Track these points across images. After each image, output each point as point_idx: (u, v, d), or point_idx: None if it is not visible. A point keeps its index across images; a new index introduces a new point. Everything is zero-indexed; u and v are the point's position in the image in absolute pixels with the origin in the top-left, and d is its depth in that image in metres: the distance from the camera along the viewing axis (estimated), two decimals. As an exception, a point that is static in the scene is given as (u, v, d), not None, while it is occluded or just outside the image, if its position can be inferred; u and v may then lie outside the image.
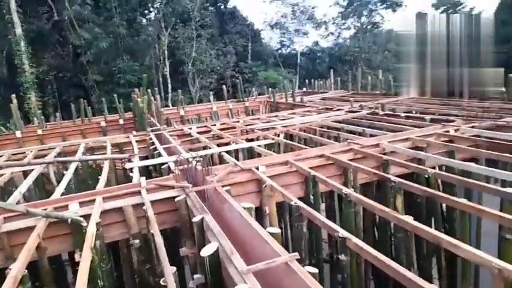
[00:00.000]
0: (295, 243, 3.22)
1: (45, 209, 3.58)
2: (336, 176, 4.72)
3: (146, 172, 6.05)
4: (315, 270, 2.25)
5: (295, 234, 3.31)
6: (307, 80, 17.81)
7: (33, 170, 5.53)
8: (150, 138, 7.43)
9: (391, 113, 7.75)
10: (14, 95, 11.51)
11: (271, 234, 2.73)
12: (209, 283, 2.62)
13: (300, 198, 3.76)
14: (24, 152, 6.99)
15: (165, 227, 4.12)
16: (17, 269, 2.50)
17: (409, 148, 4.96)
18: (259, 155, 6.24)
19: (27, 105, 19.65)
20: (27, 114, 18.71)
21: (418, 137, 5.25)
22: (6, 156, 6.73)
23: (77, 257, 3.71)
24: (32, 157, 6.50)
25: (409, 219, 2.71)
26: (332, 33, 35.24)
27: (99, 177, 5.00)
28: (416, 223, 2.65)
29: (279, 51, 35.84)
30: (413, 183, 3.61)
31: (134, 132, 8.18)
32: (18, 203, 4.08)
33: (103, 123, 11.31)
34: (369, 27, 32.57)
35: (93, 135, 11.08)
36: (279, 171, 4.63)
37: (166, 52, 24.34)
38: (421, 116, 6.79)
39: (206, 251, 2.58)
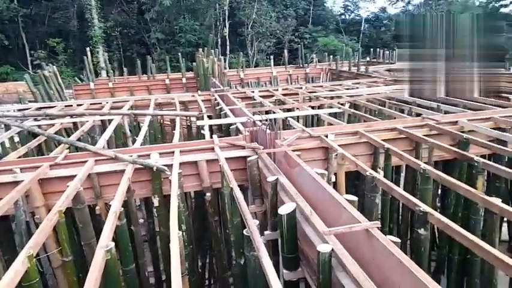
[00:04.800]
0: (367, 214, 3.23)
1: (131, 156, 3.88)
2: (406, 151, 4.57)
3: (210, 131, 6.30)
4: (397, 239, 2.26)
5: (368, 205, 3.32)
6: (371, 49, 16.87)
7: (111, 119, 5.96)
8: (215, 99, 7.61)
9: (468, 89, 7.18)
10: (88, 49, 12.23)
11: (348, 201, 2.77)
12: (284, 240, 2.74)
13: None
14: (101, 103, 7.51)
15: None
16: (115, 206, 2.78)
17: (491, 129, 4.63)
18: (325, 123, 6.19)
19: (95, 58, 20.82)
20: (95, 68, 19.90)
21: (503, 117, 4.88)
22: (86, 105, 7.29)
23: (155, 201, 4.05)
24: (109, 108, 6.98)
25: (497, 201, 2.60)
26: (402, -1, 32.75)
27: (174, 131, 5.28)
28: (506, 206, 2.53)
29: (342, 16, 34.13)
30: (499, 165, 3.40)
31: (199, 92, 8.42)
32: (103, 148, 4.45)
33: (167, 81, 11.74)
34: (443, -6, 29.77)
35: (158, 91, 11.57)
36: (347, 141, 4.57)
37: (227, 12, 24.20)
38: (506, 95, 6.24)
39: (284, 210, 2.68)
